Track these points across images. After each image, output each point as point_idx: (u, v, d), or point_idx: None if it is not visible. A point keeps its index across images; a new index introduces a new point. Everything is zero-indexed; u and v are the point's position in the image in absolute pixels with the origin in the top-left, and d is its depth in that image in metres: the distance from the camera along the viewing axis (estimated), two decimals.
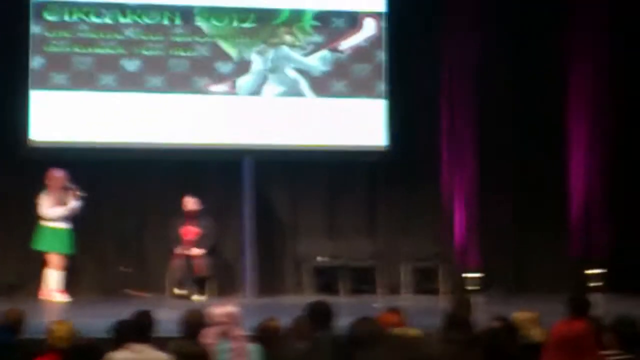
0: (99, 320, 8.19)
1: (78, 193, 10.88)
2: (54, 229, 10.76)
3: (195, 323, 6.22)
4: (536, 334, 6.64)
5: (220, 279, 11.43)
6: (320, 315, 6.46)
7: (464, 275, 11.85)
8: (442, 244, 12.01)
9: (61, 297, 10.68)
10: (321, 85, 11.88)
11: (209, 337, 6.04)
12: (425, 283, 11.91)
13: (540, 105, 12.25)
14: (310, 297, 9.91)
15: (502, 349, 5.55)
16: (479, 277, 11.83)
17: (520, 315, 6.71)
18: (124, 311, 6.92)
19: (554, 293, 9.68)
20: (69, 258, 10.84)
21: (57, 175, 10.81)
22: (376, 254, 11.95)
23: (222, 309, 6.24)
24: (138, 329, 5.88)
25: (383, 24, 12.01)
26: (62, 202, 10.80)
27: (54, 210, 10.76)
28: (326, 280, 11.78)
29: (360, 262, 11.80)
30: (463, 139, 12.19)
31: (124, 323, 6.15)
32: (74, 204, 10.86)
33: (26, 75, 11.19)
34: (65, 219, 10.84)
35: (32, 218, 10.91)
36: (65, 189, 10.86)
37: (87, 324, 7.52)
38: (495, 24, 12.18)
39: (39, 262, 10.89)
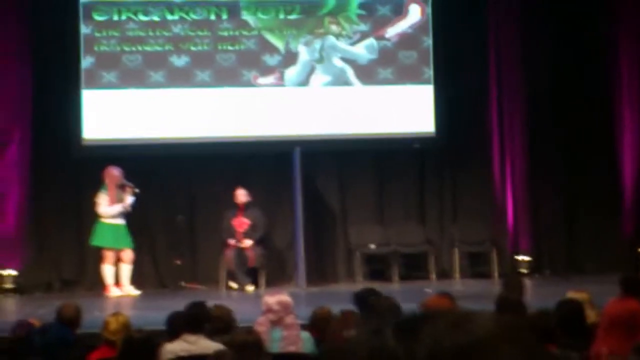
0: (154, 312, 8.36)
1: (134, 190, 11.03)
2: (111, 225, 10.92)
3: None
4: (589, 314, 6.62)
5: (272, 268, 11.53)
6: (367, 301, 6.51)
7: (516, 258, 11.80)
8: (494, 228, 11.96)
9: (121, 291, 10.86)
10: (368, 73, 11.89)
11: (261, 325, 6.12)
12: (477, 267, 11.90)
13: (590, 87, 12.11)
14: (362, 285, 9.98)
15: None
16: (531, 260, 11.77)
17: (572, 296, 6.69)
18: (179, 303, 7.06)
19: (607, 274, 9.63)
20: (133, 252, 11.02)
21: (115, 172, 10.97)
22: (427, 239, 11.95)
23: (274, 298, 6.32)
24: (192, 320, 5.98)
25: (428, 9, 11.98)
26: (119, 199, 10.95)
27: (113, 208, 10.92)
28: (378, 267, 11.82)
29: (412, 248, 11.81)
30: (513, 122, 12.11)
31: (178, 315, 6.27)
32: (130, 200, 11.02)
33: (78, 75, 11.39)
34: (121, 214, 10.99)
35: (88, 215, 11.11)
36: (122, 186, 11.02)
37: (143, 317, 7.67)
38: (542, 8, 12.08)
39: (97, 258, 11.09)
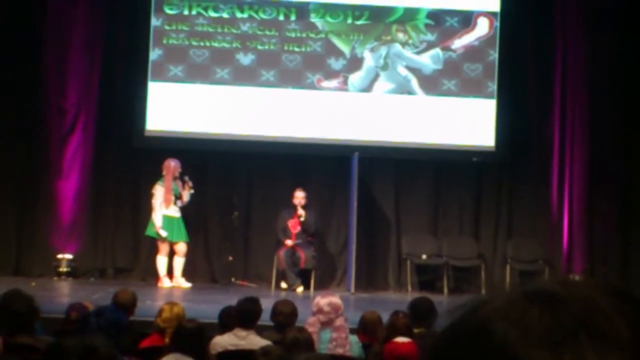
0: (205, 305, 8.46)
1: (191, 187, 11.08)
2: (167, 218, 11.01)
3: (284, 314, 6.32)
4: None
5: (323, 271, 11.56)
6: (422, 311, 6.50)
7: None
8: (548, 247, 11.86)
9: (172, 283, 10.97)
10: (432, 83, 11.88)
11: (312, 325, 6.15)
12: None
13: None
14: (412, 295, 9.96)
15: None
16: None
17: None
18: (230, 299, 7.13)
19: None
20: (187, 245, 11.11)
21: (172, 164, 11.06)
22: (480, 254, 11.89)
23: (326, 299, 6.34)
24: (244, 316, 6.03)
25: (497, 23, 11.94)
26: (174, 191, 11.02)
27: (158, 215, 10.94)
28: (428, 278, 11.79)
29: (464, 262, 11.76)
30: (574, 142, 12.00)
31: (231, 309, 6.33)
32: (187, 197, 11.09)
33: (146, 66, 11.55)
34: (178, 208, 11.06)
35: (145, 205, 11.25)
36: (180, 178, 11.09)
37: (194, 309, 7.74)
38: (609, 24, 11.94)
39: (151, 249, 11.23)
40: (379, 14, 11.90)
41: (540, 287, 0.83)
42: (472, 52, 11.96)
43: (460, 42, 11.96)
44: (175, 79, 11.64)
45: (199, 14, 11.74)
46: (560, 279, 0.84)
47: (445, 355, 0.81)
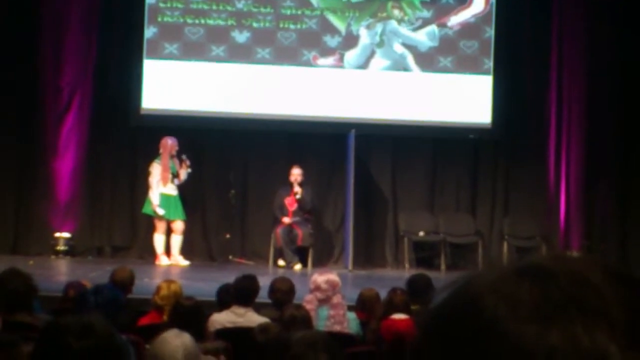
0: (203, 283, 8.48)
1: (188, 166, 11.08)
2: (164, 196, 11.01)
3: (282, 291, 6.34)
4: None
5: (320, 248, 11.58)
6: (419, 288, 6.53)
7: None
8: (545, 224, 11.88)
9: (170, 261, 10.98)
10: (428, 60, 11.86)
11: (309, 302, 6.16)
12: None
13: None
14: (409, 272, 10.00)
15: None
16: None
17: None
18: (228, 276, 7.15)
19: None
20: (184, 223, 11.11)
21: (169, 142, 11.05)
22: (477, 231, 11.91)
23: (323, 276, 6.37)
24: (242, 293, 6.05)
25: (492, 0, 11.91)
26: (171, 170, 11.01)
27: (155, 193, 10.94)
28: (426, 255, 11.82)
29: (461, 239, 11.78)
30: (571, 118, 12.00)
31: (229, 286, 6.35)
32: (184, 175, 11.09)
33: (141, 44, 11.51)
34: (175, 186, 11.06)
35: (141, 183, 11.24)
36: (177, 157, 11.07)
37: (192, 287, 7.76)
38: (607, 1, 11.92)
39: (148, 227, 11.24)
40: None
41: (532, 262, 0.82)
42: (468, 29, 11.93)
43: (456, 19, 11.93)
44: (171, 57, 11.60)
45: None
46: (554, 254, 0.83)
47: (437, 331, 0.81)
